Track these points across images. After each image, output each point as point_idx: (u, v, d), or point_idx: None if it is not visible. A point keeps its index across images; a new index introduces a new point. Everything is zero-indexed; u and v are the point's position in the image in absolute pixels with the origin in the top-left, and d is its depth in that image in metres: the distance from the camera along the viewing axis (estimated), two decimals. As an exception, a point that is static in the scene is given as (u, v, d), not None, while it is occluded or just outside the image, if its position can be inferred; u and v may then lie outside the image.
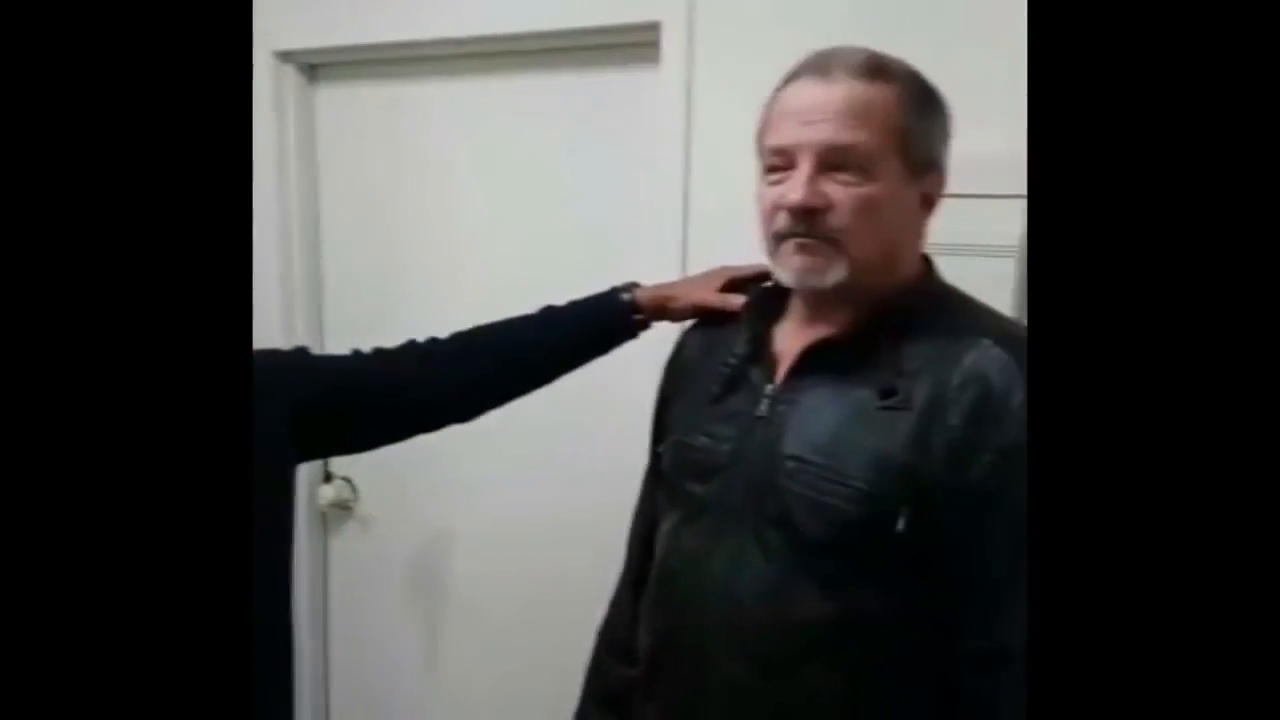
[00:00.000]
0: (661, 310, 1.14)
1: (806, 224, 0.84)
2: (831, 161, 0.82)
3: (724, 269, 1.12)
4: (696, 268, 1.45)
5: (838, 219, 0.83)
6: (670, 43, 1.43)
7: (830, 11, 1.32)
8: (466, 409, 1.15)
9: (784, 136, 0.85)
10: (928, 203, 0.88)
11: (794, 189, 0.83)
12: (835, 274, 0.85)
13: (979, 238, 1.17)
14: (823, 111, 0.82)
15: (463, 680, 1.88)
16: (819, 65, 0.85)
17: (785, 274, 0.88)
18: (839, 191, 0.82)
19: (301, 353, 1.11)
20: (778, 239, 0.87)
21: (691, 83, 1.43)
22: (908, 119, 0.83)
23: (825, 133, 0.82)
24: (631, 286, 1.17)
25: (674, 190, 1.46)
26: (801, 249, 0.85)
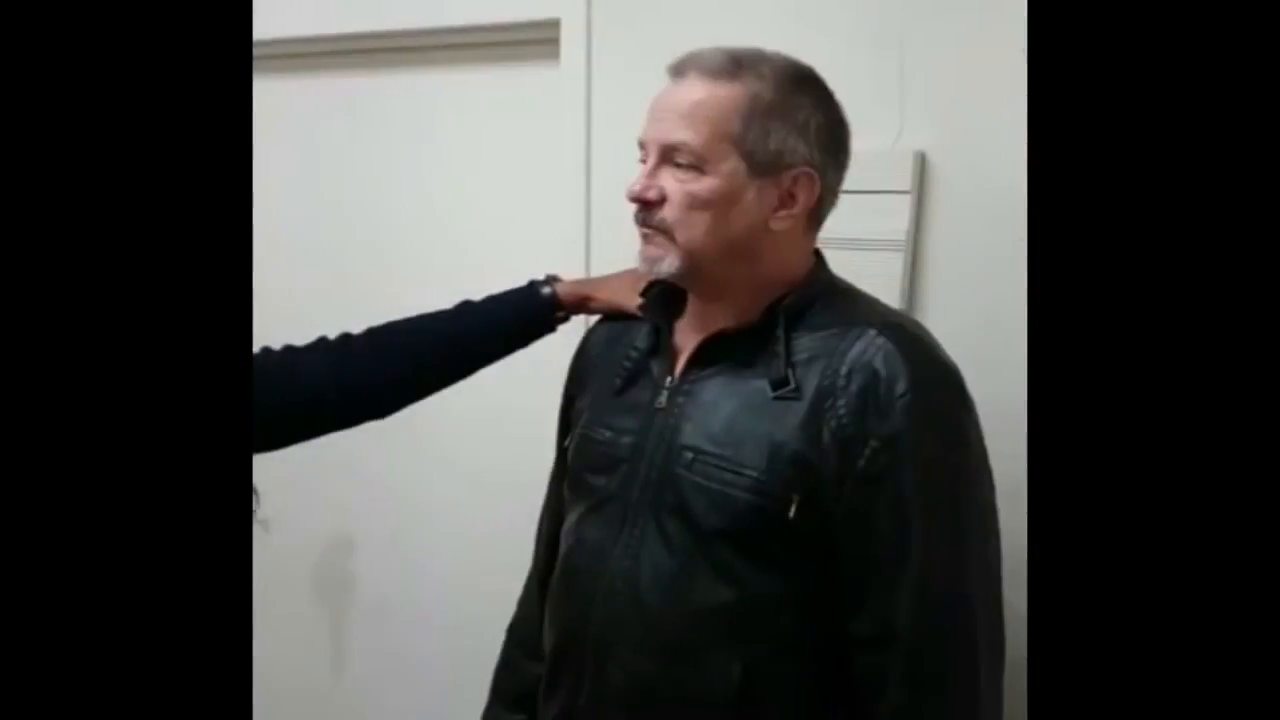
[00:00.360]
0: (581, 306, 1.14)
1: (644, 215, 0.88)
2: (669, 157, 0.86)
3: None
4: (599, 261, 1.47)
5: (669, 212, 0.87)
6: (569, 39, 1.44)
7: (726, 10, 1.34)
8: (382, 405, 1.13)
9: (644, 132, 0.89)
10: (789, 200, 0.88)
11: (635, 181, 0.87)
12: (669, 264, 0.88)
13: (871, 232, 1.21)
14: (667, 109, 0.86)
15: (370, 683, 1.86)
16: (678, 65, 0.88)
17: (642, 263, 0.91)
18: (673, 186, 0.86)
19: None
20: (637, 228, 0.90)
21: (590, 79, 1.44)
22: (749, 119, 0.84)
23: (664, 130, 0.86)
24: (551, 280, 1.16)
25: (577, 185, 1.47)
26: (644, 238, 0.90)
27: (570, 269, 1.44)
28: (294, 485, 1.85)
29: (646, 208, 0.87)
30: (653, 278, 0.93)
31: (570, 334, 1.18)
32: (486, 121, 1.62)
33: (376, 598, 1.84)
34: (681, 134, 0.84)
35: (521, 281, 1.18)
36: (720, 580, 0.85)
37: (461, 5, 1.51)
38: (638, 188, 0.87)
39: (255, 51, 1.69)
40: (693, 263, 0.87)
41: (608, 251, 1.46)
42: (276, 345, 1.11)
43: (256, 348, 1.09)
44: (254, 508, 1.89)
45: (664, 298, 1.00)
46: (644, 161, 0.89)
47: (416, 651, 1.80)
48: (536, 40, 1.50)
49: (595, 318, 1.15)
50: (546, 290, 1.15)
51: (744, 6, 1.32)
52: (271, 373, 1.06)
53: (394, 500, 1.79)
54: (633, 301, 1.07)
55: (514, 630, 1.16)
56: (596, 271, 1.47)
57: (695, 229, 0.86)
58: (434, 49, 1.62)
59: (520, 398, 1.55)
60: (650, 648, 0.88)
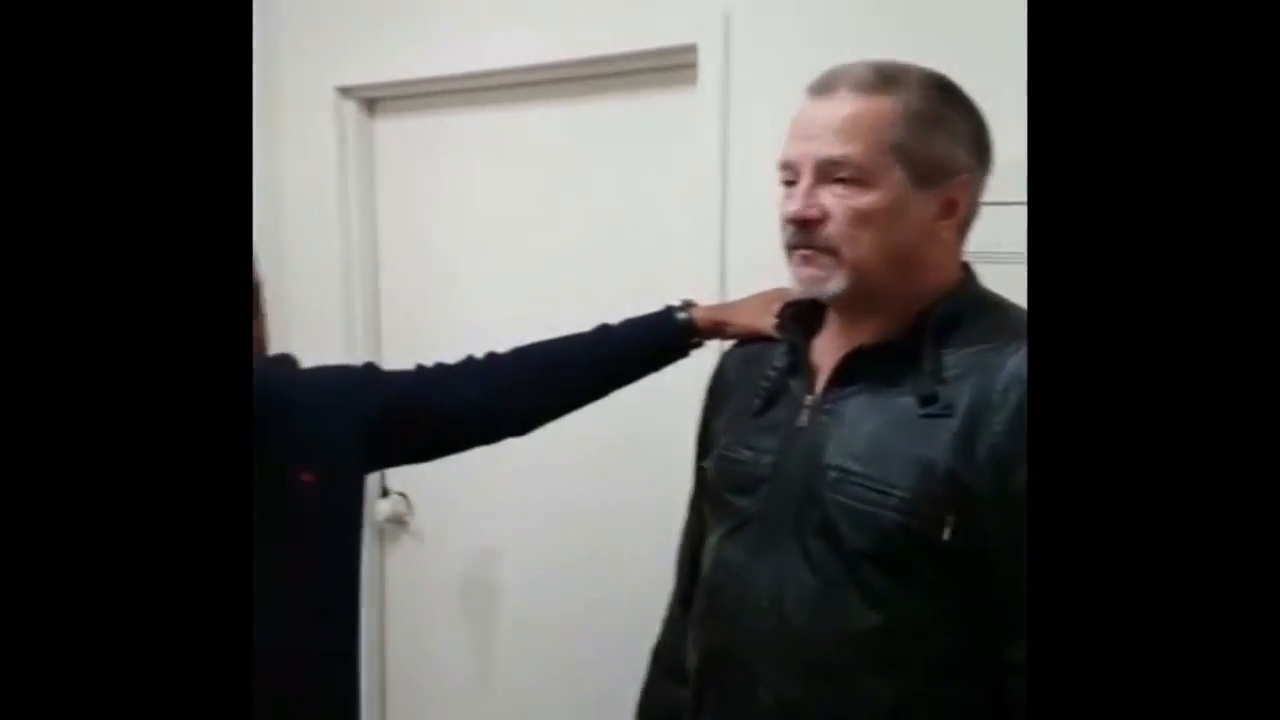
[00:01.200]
0: (717, 331, 1.16)
1: (805, 235, 0.87)
2: (828, 174, 0.85)
3: (779, 291, 1.11)
4: (734, 284, 1.48)
5: (835, 229, 0.85)
6: (706, 65, 1.46)
7: (861, 29, 1.34)
8: (524, 422, 1.18)
9: (789, 151, 0.88)
10: (950, 209, 0.87)
11: (793, 201, 0.86)
12: (836, 283, 0.87)
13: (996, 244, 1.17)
14: (821, 126, 0.85)
15: (515, 694, 1.91)
16: (824, 82, 0.88)
17: (795, 284, 0.91)
18: (835, 203, 0.85)
19: (370, 368, 1.15)
20: (788, 250, 0.90)
21: (727, 103, 1.46)
22: (909, 128, 0.84)
23: (819, 147, 0.85)
24: (687, 306, 1.18)
25: (712, 209, 1.49)
26: (804, 260, 0.88)
27: (705, 292, 1.46)
28: (445, 498, 1.93)
29: (807, 228, 0.86)
30: (811, 298, 0.92)
31: (699, 355, 1.20)
32: (624, 147, 1.67)
33: (522, 609, 1.90)
34: (842, 149, 0.83)
35: (658, 306, 1.21)
36: (867, 603, 0.83)
37: (602, 37, 1.56)
38: (797, 207, 0.86)
39: (422, 89, 1.81)
40: (859, 280, 0.86)
41: (741, 275, 1.47)
42: (429, 363, 1.18)
43: (412, 366, 1.17)
44: (406, 519, 1.99)
45: (800, 317, 1.00)
46: (790, 183, 0.89)
47: (560, 663, 1.84)
48: (674, 66, 1.53)
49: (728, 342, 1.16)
50: (682, 315, 1.17)
51: (878, 26, 1.32)
52: (424, 389, 1.13)
53: (539, 514, 1.84)
54: (768, 324, 1.08)
55: (658, 654, 1.17)
56: (732, 295, 1.48)
57: (862, 245, 0.85)
58: (575, 80, 1.68)
59: (659, 417, 1.58)
60: (797, 670, 0.87)
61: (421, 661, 2.02)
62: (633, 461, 1.72)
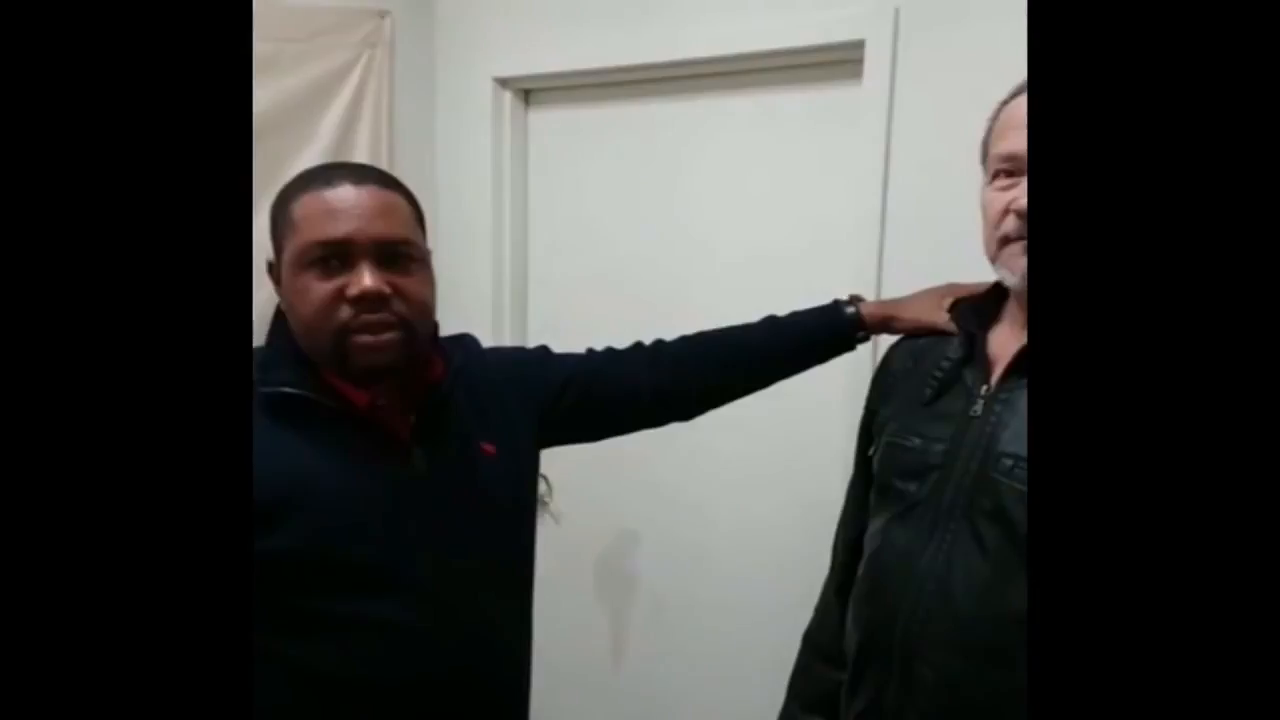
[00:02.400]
0: (885, 326, 1.16)
1: (1023, 227, 0.86)
2: None
3: (950, 287, 1.12)
4: (891, 279, 1.49)
5: None
6: (873, 60, 1.47)
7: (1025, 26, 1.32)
8: (688, 408, 1.21)
9: (1015, 144, 0.88)
10: None
11: (1016, 197, 0.86)
12: None
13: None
14: None
15: (647, 675, 1.95)
16: None
17: (1011, 275, 0.90)
18: None
19: (544, 350, 1.20)
20: (1004, 241, 0.89)
21: (893, 98, 1.46)
22: None
23: None
24: (855, 300, 1.19)
25: (873, 205, 1.50)
26: (1017, 252, 0.88)
27: (863, 286, 1.46)
28: (584, 482, 1.99)
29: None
30: (984, 292, 0.92)
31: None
32: (789, 141, 1.68)
33: (656, 593, 1.94)
34: None
35: (825, 299, 1.22)
36: None
37: (770, 31, 1.58)
38: (1025, 202, 0.86)
39: (577, 80, 1.87)
40: None
41: (900, 271, 1.47)
42: (600, 347, 1.22)
43: (581, 350, 1.21)
44: (546, 500, 2.05)
45: (974, 310, 1.01)
46: (1006, 175, 0.89)
47: (693, 648, 1.88)
48: (841, 61, 1.54)
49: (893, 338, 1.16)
50: (850, 310, 1.18)
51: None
52: (595, 372, 1.17)
53: (676, 500, 1.88)
54: (939, 318, 1.08)
55: (810, 637, 1.19)
56: (888, 293, 1.48)
57: None
58: (740, 74, 1.70)
59: (798, 404, 1.59)
60: (962, 649, 0.88)
61: (557, 640, 2.08)
62: (774, 451, 1.74)
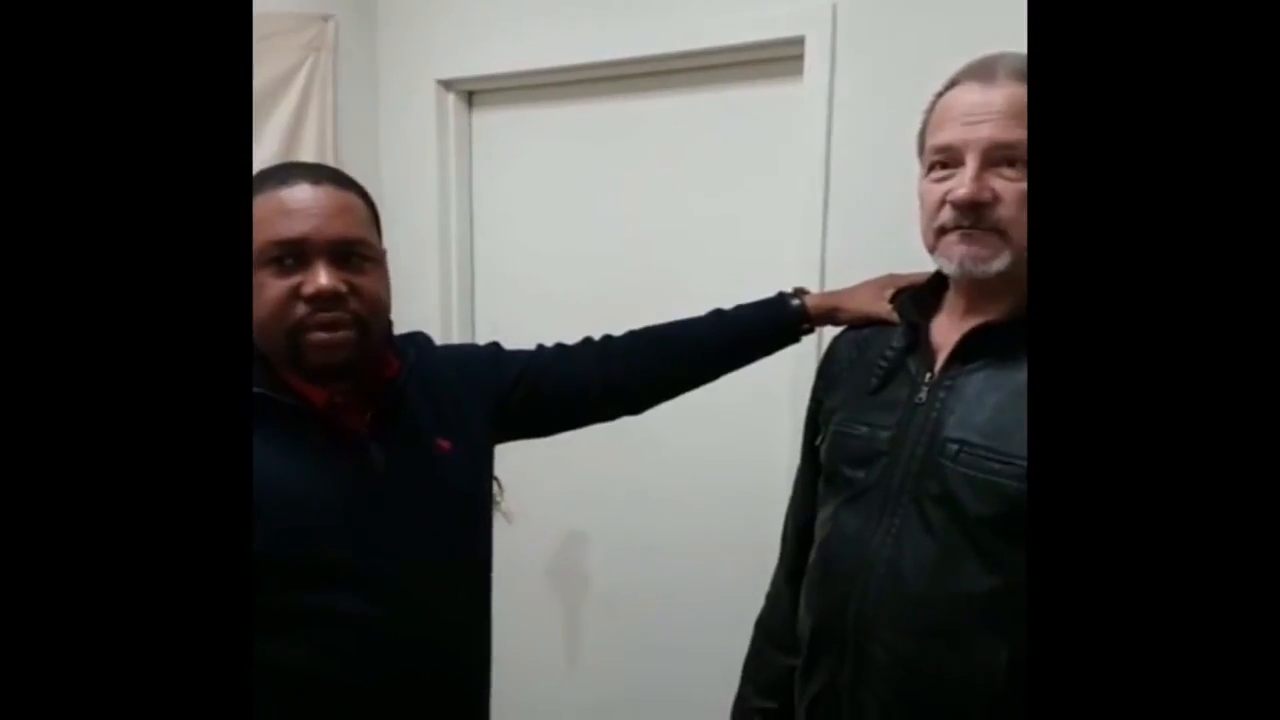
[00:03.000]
0: (829, 317, 1.19)
1: (973, 216, 0.89)
2: (996, 158, 0.87)
3: (891, 277, 1.15)
4: (835, 273, 1.52)
5: (1004, 211, 0.88)
6: (813, 56, 1.49)
7: (968, 23, 1.36)
8: (637, 401, 1.23)
9: (948, 135, 0.90)
10: None
11: (962, 183, 0.88)
12: (1000, 262, 0.89)
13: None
14: (985, 111, 0.87)
15: (602, 672, 1.96)
16: (982, 69, 0.90)
17: (949, 264, 0.93)
18: (1004, 186, 0.87)
19: (496, 346, 1.21)
20: (941, 231, 0.92)
21: (832, 94, 1.49)
22: None
23: (988, 131, 0.87)
24: (800, 292, 1.22)
25: (814, 199, 1.52)
26: (967, 238, 0.90)
27: (807, 280, 1.49)
28: (534, 481, 1.99)
29: (977, 210, 0.88)
30: (969, 277, 0.94)
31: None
32: (732, 138, 1.70)
33: (608, 591, 1.95)
34: (1015, 133, 0.86)
35: (769, 293, 1.24)
36: (985, 567, 0.86)
37: (710, 29, 1.60)
38: (969, 191, 0.88)
39: (520, 81, 1.87)
40: (1020, 260, 0.88)
41: (843, 263, 1.51)
42: (549, 344, 1.23)
43: (532, 346, 1.22)
44: (498, 500, 2.05)
45: (916, 300, 1.04)
46: (942, 166, 0.91)
47: (646, 641, 1.89)
48: (780, 58, 1.57)
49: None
50: (795, 302, 1.21)
51: (988, 19, 1.34)
52: (546, 367, 1.18)
53: (626, 498, 1.89)
54: (881, 308, 1.11)
55: (762, 623, 1.21)
56: (832, 281, 1.51)
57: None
58: (682, 72, 1.72)
59: (745, 397, 1.62)
60: (913, 630, 0.90)
61: (511, 639, 2.07)
62: (722, 443, 1.76)
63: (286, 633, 0.90)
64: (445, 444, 1.04)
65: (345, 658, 0.92)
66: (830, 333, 1.20)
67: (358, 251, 0.91)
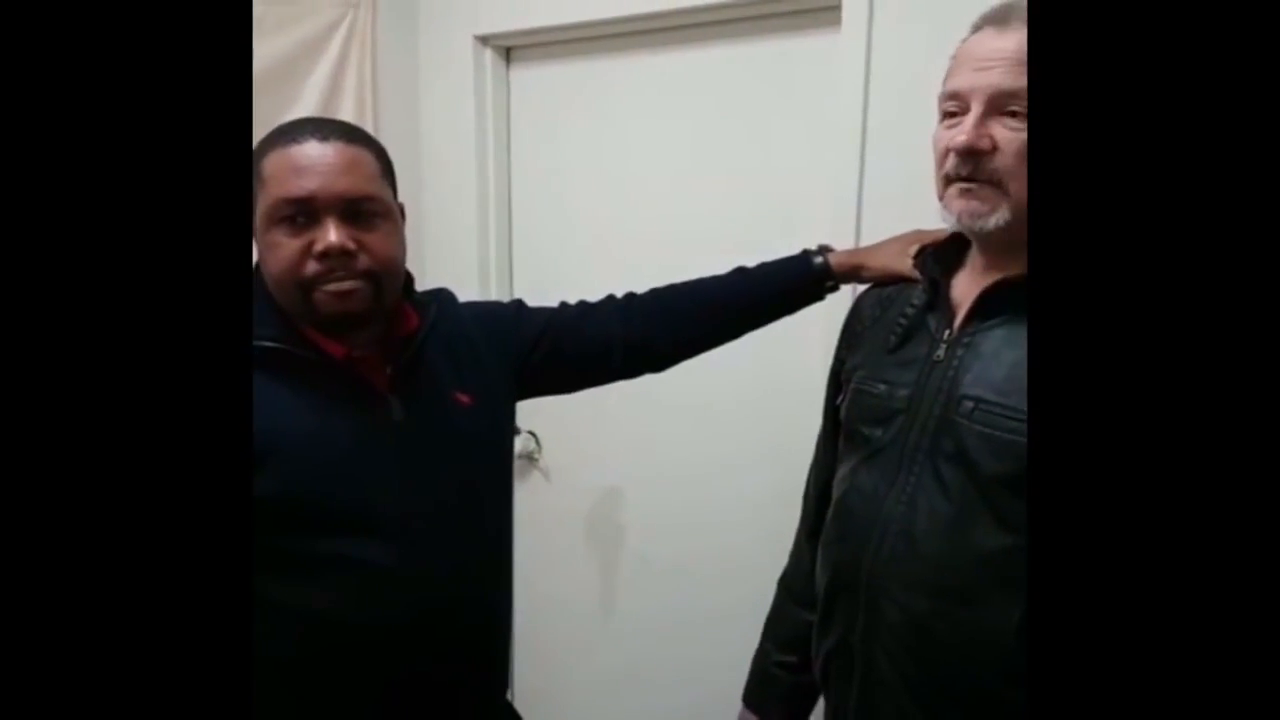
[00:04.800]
0: (853, 275, 1.17)
1: (971, 166, 0.86)
2: (1000, 106, 0.84)
3: (917, 233, 1.13)
4: (870, 230, 1.49)
5: (1002, 161, 0.84)
6: (851, 7, 1.46)
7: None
8: (660, 359, 1.23)
9: (957, 81, 0.87)
10: None
11: (961, 131, 0.85)
12: (998, 217, 0.86)
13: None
14: (996, 58, 0.84)
15: (635, 626, 1.99)
16: (998, 15, 0.87)
17: (951, 217, 0.90)
18: (1006, 135, 0.84)
19: (519, 304, 1.22)
20: (946, 181, 0.90)
21: (870, 46, 1.46)
22: None
23: (995, 78, 0.84)
24: (824, 250, 1.20)
25: (851, 153, 1.49)
26: (965, 193, 0.87)
27: (842, 237, 1.47)
28: (572, 438, 2.01)
29: (975, 158, 0.85)
30: (950, 238, 0.92)
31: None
32: (769, 91, 1.67)
33: (643, 547, 1.97)
34: (1018, 80, 0.82)
35: (794, 250, 1.23)
36: (1000, 526, 0.85)
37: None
38: (967, 138, 0.84)
39: (557, 36, 1.86)
40: (1021, 214, 0.85)
41: (880, 219, 1.47)
42: (571, 301, 1.23)
43: (555, 304, 1.22)
44: (535, 456, 2.08)
45: (938, 256, 1.02)
46: (953, 114, 0.89)
47: (677, 599, 1.91)
48: (818, 9, 1.53)
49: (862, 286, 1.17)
50: (819, 260, 1.19)
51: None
52: (568, 324, 1.19)
53: (662, 454, 1.90)
54: (905, 265, 1.09)
55: (784, 580, 1.22)
56: (867, 238, 1.49)
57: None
58: (720, 24, 1.69)
59: (778, 357, 1.61)
60: (926, 588, 0.90)
61: (545, 594, 2.12)
62: (754, 404, 1.76)
63: (305, 577, 0.93)
64: (465, 398, 1.05)
65: (364, 604, 0.95)
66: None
67: (366, 208, 0.92)
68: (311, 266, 0.90)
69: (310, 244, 0.89)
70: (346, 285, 0.91)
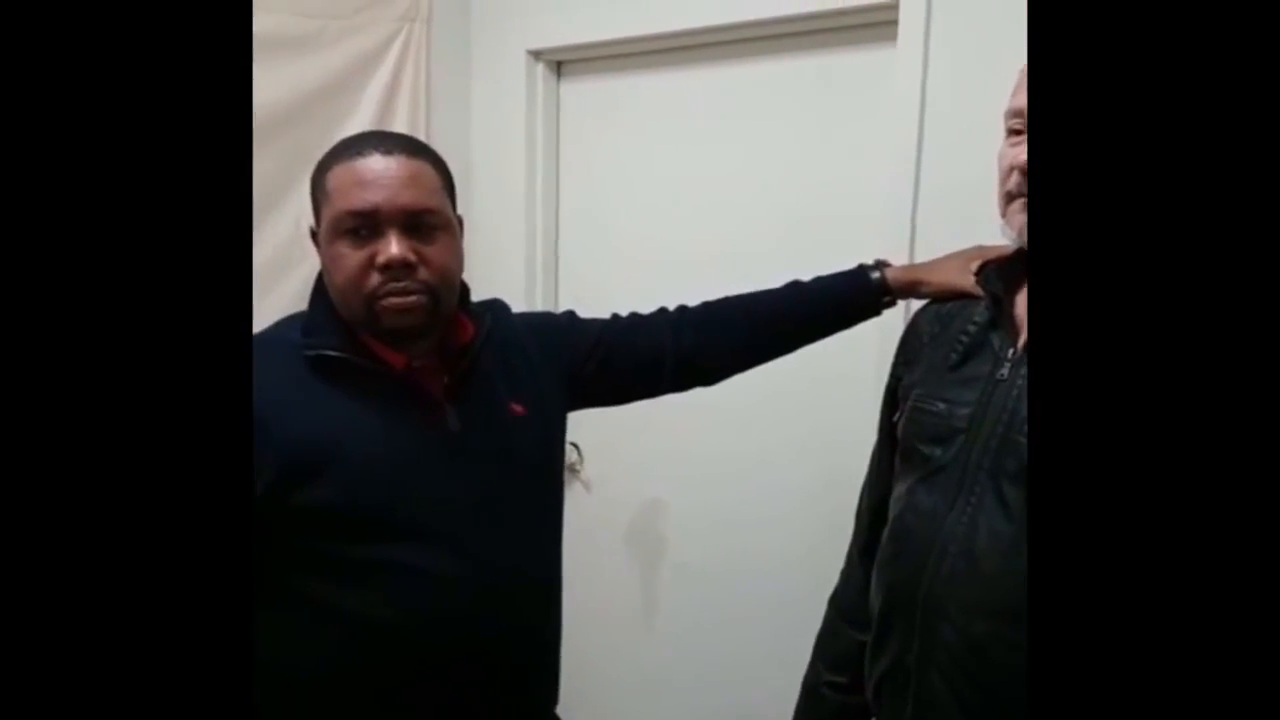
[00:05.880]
0: (911, 290, 1.16)
1: None
2: None
3: (979, 249, 1.12)
4: (925, 245, 1.48)
5: None
6: (907, 20, 1.45)
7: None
8: (711, 372, 1.22)
9: (1023, 99, 0.87)
10: None
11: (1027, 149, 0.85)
12: None
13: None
14: None
15: (678, 639, 1.98)
16: None
17: (1013, 233, 0.90)
18: None
19: (571, 315, 1.22)
20: (1008, 198, 0.89)
21: (927, 59, 1.45)
22: None
23: None
24: (881, 265, 1.19)
25: (906, 169, 1.48)
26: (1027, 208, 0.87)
27: (896, 253, 1.46)
28: (612, 449, 2.01)
29: None
30: (1013, 254, 0.91)
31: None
32: (822, 106, 1.67)
33: (685, 560, 1.96)
34: None
35: (847, 265, 1.22)
36: None
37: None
38: (1024, 158, 0.84)
39: (609, 50, 1.87)
40: None
41: (934, 236, 1.46)
42: (624, 312, 1.24)
43: (608, 314, 1.23)
44: (577, 467, 2.08)
45: (1001, 272, 1.00)
46: (1018, 131, 0.88)
47: (720, 611, 1.89)
48: (874, 23, 1.52)
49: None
50: (876, 275, 1.18)
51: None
52: (620, 336, 1.19)
53: (705, 467, 1.89)
54: (966, 282, 1.07)
55: (836, 599, 1.20)
56: (921, 255, 1.47)
57: None
58: (772, 38, 1.69)
59: (827, 369, 1.59)
60: (985, 609, 0.88)
61: (587, 604, 2.11)
62: (799, 416, 1.75)
63: (362, 584, 0.93)
64: (519, 408, 1.06)
65: (421, 611, 0.95)
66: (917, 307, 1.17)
67: (427, 221, 0.94)
68: (374, 278, 0.91)
69: (373, 256, 0.91)
70: (410, 300, 0.92)
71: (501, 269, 2.02)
